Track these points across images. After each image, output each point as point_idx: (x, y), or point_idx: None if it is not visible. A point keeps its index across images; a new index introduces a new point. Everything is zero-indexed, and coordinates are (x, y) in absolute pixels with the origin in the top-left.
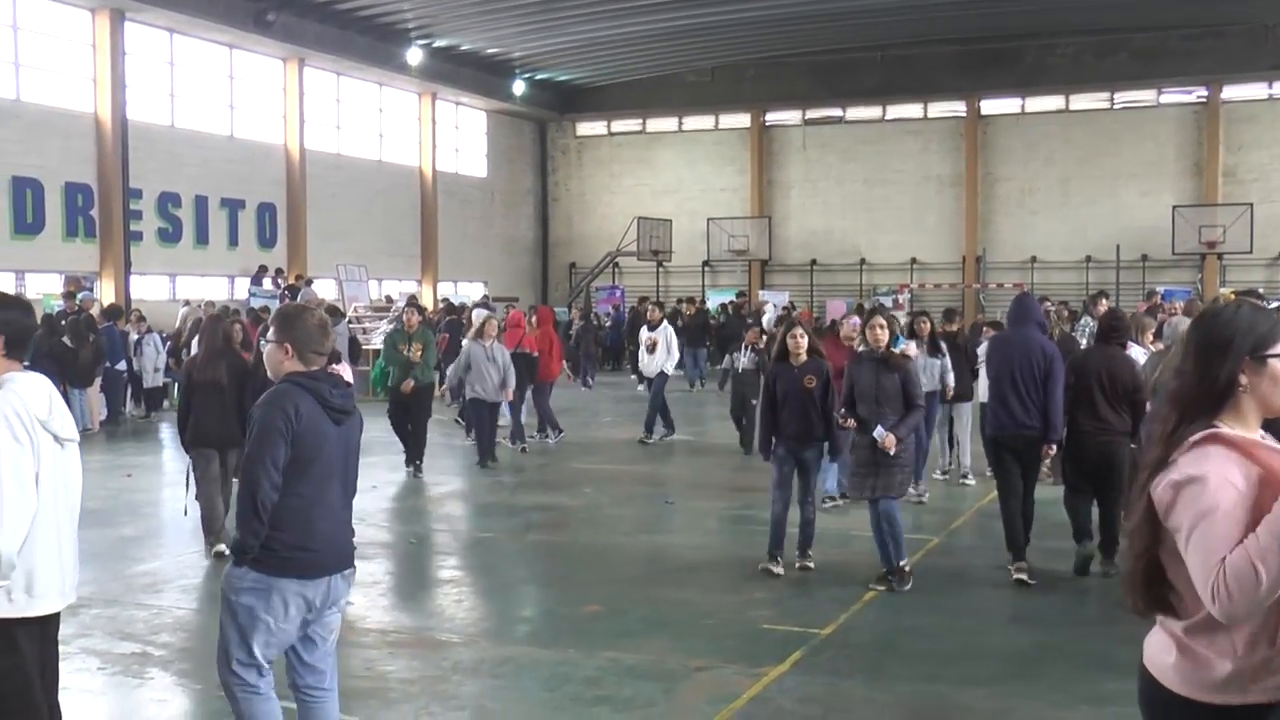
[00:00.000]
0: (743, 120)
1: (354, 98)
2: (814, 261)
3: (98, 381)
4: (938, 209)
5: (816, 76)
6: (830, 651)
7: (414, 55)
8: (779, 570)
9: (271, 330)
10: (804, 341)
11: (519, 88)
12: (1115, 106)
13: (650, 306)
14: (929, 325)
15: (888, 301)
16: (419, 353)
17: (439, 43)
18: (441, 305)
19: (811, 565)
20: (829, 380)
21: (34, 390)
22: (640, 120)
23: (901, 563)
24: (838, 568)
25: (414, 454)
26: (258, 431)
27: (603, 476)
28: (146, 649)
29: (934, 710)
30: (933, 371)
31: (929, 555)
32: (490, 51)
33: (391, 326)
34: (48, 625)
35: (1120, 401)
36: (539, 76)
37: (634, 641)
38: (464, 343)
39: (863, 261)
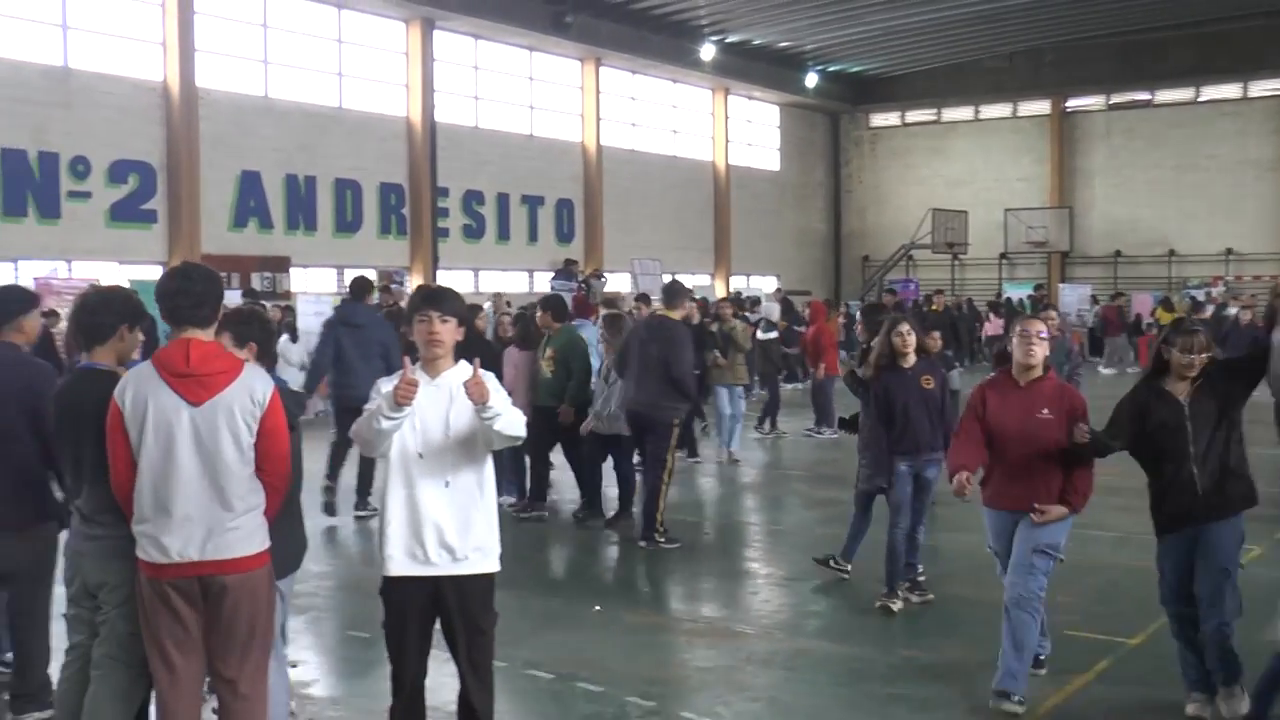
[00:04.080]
0: (1042, 107)
1: (648, 95)
2: (1118, 253)
3: None
4: (1257, 195)
5: (1123, 58)
6: (1140, 662)
7: (707, 51)
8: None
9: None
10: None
11: (811, 80)
12: None
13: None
14: None
15: (1199, 295)
16: (550, 365)
17: (732, 38)
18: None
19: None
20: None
21: None
22: (935, 110)
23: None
24: (1143, 574)
25: (590, 499)
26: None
27: None
28: None
29: None
30: None
31: (1254, 563)
32: (783, 45)
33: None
34: None
35: None
36: (832, 68)
37: (930, 641)
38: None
39: (1171, 253)
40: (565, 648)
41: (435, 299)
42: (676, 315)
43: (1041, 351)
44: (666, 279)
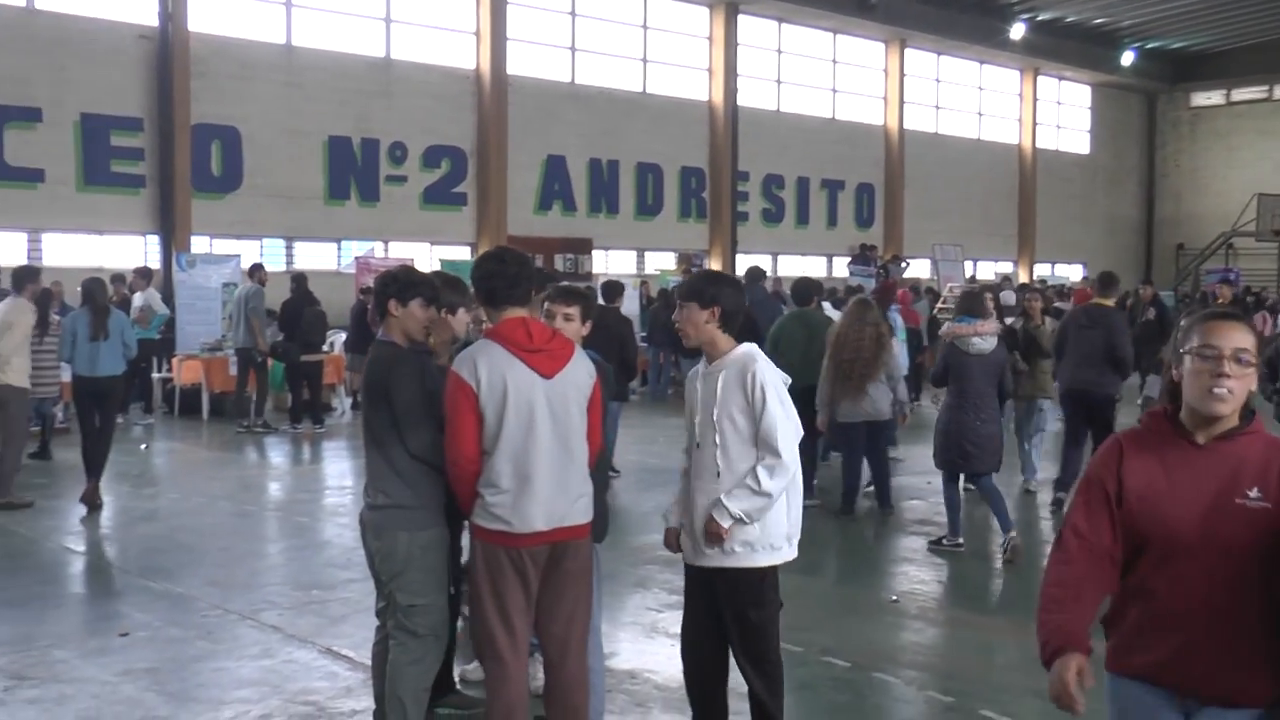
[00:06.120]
0: None
1: (953, 77)
2: None
3: None
4: None
5: None
6: None
7: (1017, 30)
8: None
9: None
10: None
11: (1127, 58)
12: None
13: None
14: None
15: None
16: None
17: (1043, 16)
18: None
19: None
20: None
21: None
22: (1265, 87)
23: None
24: None
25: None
26: None
27: None
28: None
29: None
30: None
31: None
32: (1098, 21)
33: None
34: None
35: None
36: (1150, 45)
37: None
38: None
39: None
40: (861, 637)
41: (689, 291)
42: (1110, 302)
43: (1240, 391)
44: (967, 265)
